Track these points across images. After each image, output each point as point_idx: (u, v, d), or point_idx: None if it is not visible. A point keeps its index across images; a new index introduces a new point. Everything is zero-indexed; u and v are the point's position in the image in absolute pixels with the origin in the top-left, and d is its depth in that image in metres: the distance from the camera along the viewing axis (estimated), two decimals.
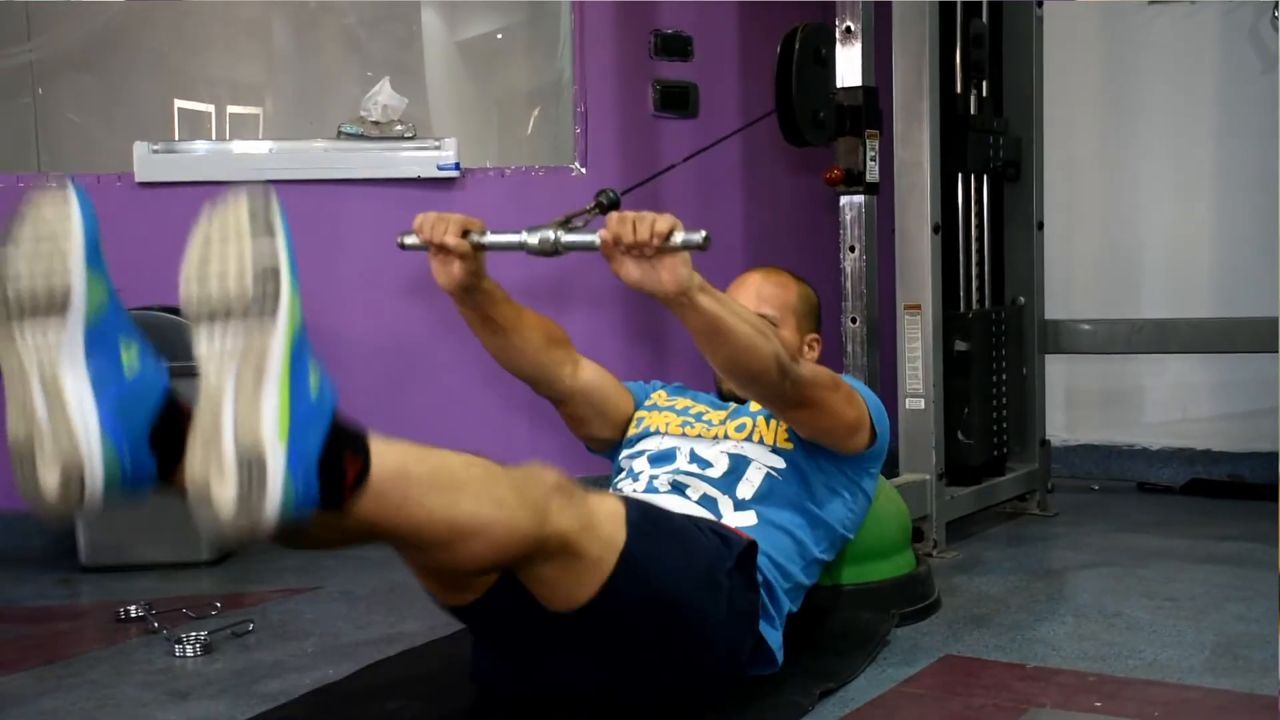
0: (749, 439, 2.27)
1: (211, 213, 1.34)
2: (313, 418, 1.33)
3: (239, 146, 3.51)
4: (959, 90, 3.32)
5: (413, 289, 3.56)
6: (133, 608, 2.68)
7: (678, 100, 3.80)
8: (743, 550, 2.01)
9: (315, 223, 3.50)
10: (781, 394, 2.03)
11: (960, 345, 3.27)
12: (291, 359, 1.32)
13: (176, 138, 3.53)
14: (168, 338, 3.11)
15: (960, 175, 3.36)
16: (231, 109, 3.64)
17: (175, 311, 3.16)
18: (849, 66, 2.98)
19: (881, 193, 3.06)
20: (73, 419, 1.29)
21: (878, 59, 3.03)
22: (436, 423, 3.56)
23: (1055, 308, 3.75)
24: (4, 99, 3.58)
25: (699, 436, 2.31)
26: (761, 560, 2.10)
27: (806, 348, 2.43)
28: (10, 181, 3.37)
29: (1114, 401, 4.09)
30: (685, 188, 3.66)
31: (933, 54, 3.04)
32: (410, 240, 2.13)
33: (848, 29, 2.98)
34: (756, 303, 2.36)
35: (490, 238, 2.07)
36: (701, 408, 2.40)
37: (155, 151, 3.39)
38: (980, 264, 3.45)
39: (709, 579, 1.91)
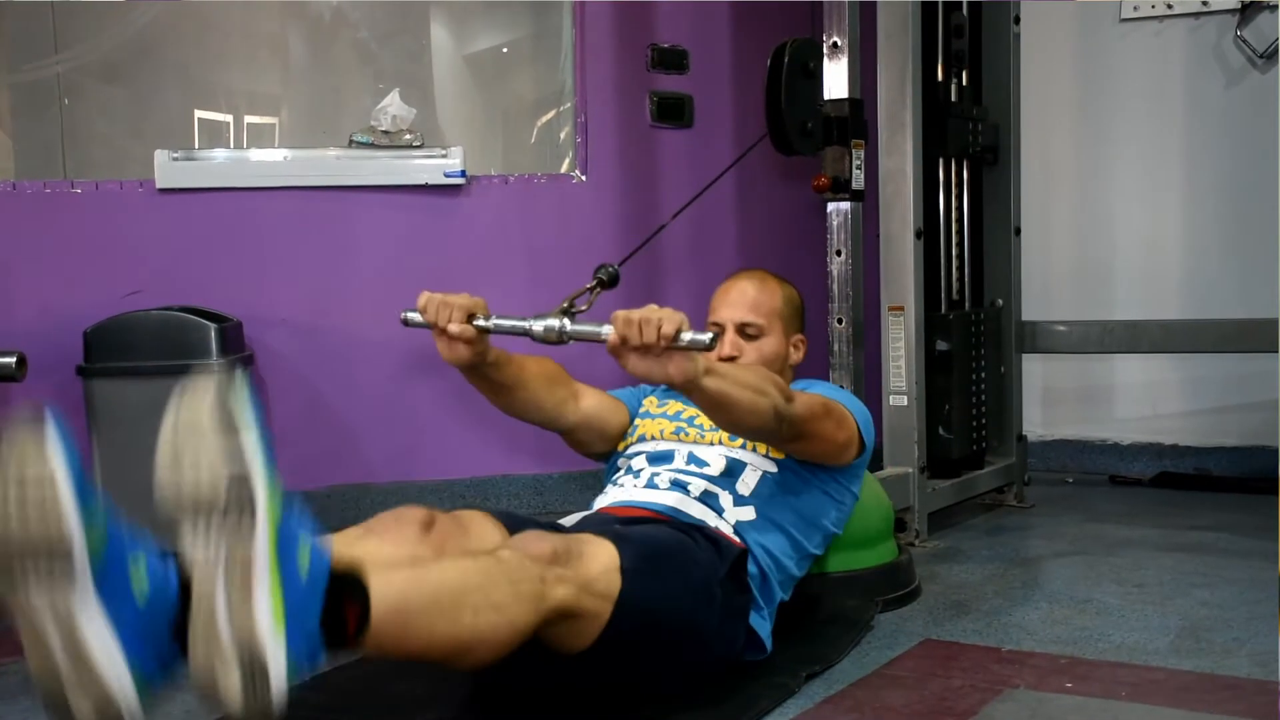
0: (742, 446, 2.27)
1: (178, 402, 1.29)
2: (307, 597, 1.31)
3: (255, 154, 3.51)
4: (940, 79, 3.31)
5: (422, 288, 3.56)
6: None
7: (674, 111, 3.80)
8: (735, 559, 2.03)
9: (327, 227, 3.50)
10: (780, 434, 2.07)
11: (941, 345, 3.28)
12: (278, 553, 1.28)
13: (196, 146, 3.53)
14: (188, 337, 3.14)
15: (941, 160, 3.35)
16: (249, 119, 3.64)
17: (193, 312, 3.17)
18: (836, 79, 2.99)
19: (867, 199, 3.06)
20: (98, 667, 1.24)
21: (863, 72, 3.03)
22: (443, 422, 3.57)
23: (1032, 309, 3.75)
24: (32, 109, 3.58)
25: (694, 442, 2.31)
26: (758, 552, 2.11)
27: (792, 348, 2.43)
28: (38, 188, 3.37)
29: (1087, 398, 4.10)
30: (681, 197, 3.66)
31: (916, 67, 3.04)
32: (414, 318, 2.06)
33: (834, 44, 2.98)
34: (744, 310, 2.36)
35: (495, 322, 2.01)
36: (694, 413, 2.39)
37: (175, 159, 3.38)
38: (961, 268, 3.45)
39: (706, 593, 1.94)
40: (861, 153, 3.03)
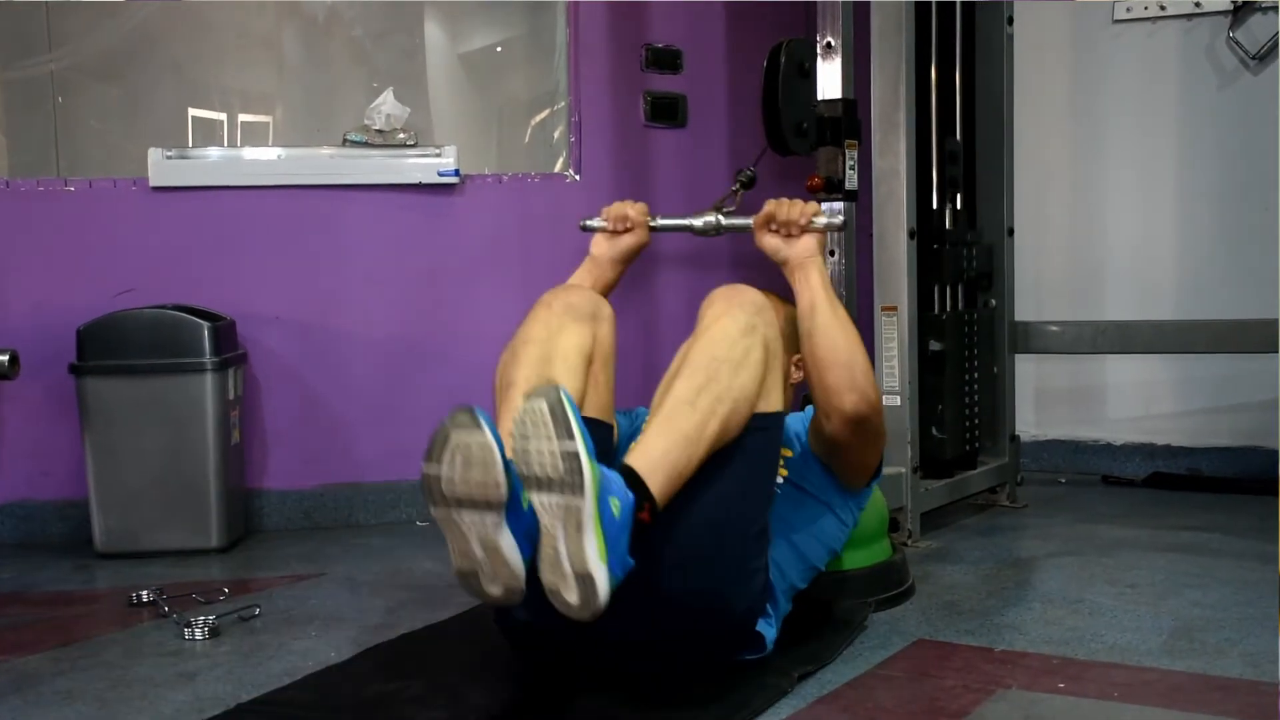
0: None
1: (523, 413, 1.68)
2: (620, 529, 1.72)
3: (249, 153, 3.50)
4: (935, 206, 3.32)
5: (416, 288, 3.55)
6: (145, 593, 2.67)
7: (668, 111, 3.79)
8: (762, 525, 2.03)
9: (322, 226, 3.48)
10: (863, 407, 2.10)
11: (935, 345, 3.27)
12: (599, 509, 1.68)
13: (190, 144, 3.51)
14: (181, 335, 3.13)
15: (936, 287, 3.35)
16: (243, 117, 3.63)
17: (186, 310, 3.16)
18: (829, 80, 2.98)
19: (860, 199, 3.06)
20: (510, 564, 1.70)
21: (857, 72, 3.02)
22: (437, 420, 3.55)
23: (1025, 310, 3.74)
24: (26, 106, 3.56)
25: None
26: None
27: (794, 367, 2.42)
28: (31, 186, 3.35)
29: (1080, 399, 4.09)
30: (677, 195, 3.66)
31: (909, 67, 3.03)
32: (594, 222, 2.37)
33: (828, 44, 2.97)
34: None
35: (661, 221, 2.38)
36: None
37: (169, 157, 3.37)
38: None
39: (761, 529, 2.02)
40: (855, 153, 3.03)
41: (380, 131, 3.48)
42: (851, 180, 3.02)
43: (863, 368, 2.11)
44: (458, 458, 1.68)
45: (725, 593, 1.92)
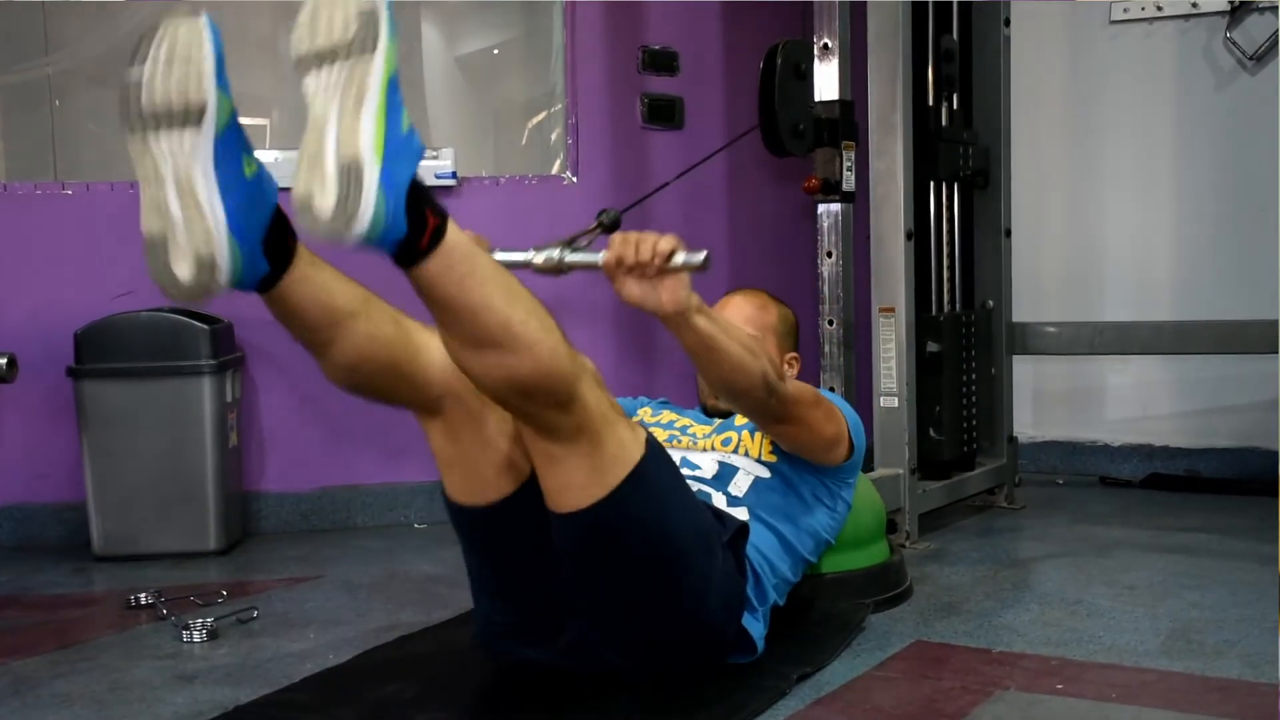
0: (735, 451, 2.27)
1: None
2: (403, 150, 1.43)
3: None
4: (931, 103, 3.31)
5: (410, 295, 3.55)
6: (143, 595, 2.67)
7: (665, 113, 3.79)
8: (736, 530, 2.01)
9: None
10: (767, 409, 2.04)
11: (932, 346, 3.27)
12: (387, 91, 1.42)
13: None
14: (179, 338, 3.12)
15: (932, 182, 3.36)
16: (240, 120, 3.62)
17: (183, 313, 3.16)
18: (826, 81, 2.98)
19: (857, 201, 3.06)
20: (206, 217, 1.41)
21: (854, 74, 3.03)
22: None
23: (1022, 311, 3.75)
24: (23, 109, 3.56)
25: (687, 448, 2.30)
26: (751, 552, 2.09)
27: (786, 366, 2.43)
28: (29, 189, 3.35)
29: (1078, 400, 4.10)
30: (673, 198, 3.66)
31: (906, 69, 3.03)
32: None
33: (825, 45, 2.97)
34: (739, 322, 2.34)
35: (498, 255, 2.03)
36: (687, 422, 2.40)
37: None
38: (951, 269, 3.44)
39: (706, 542, 1.92)
40: (852, 154, 3.03)
41: None
42: (849, 182, 3.02)
43: (755, 370, 1.95)
44: (162, 52, 1.42)
45: (690, 620, 1.92)
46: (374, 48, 1.41)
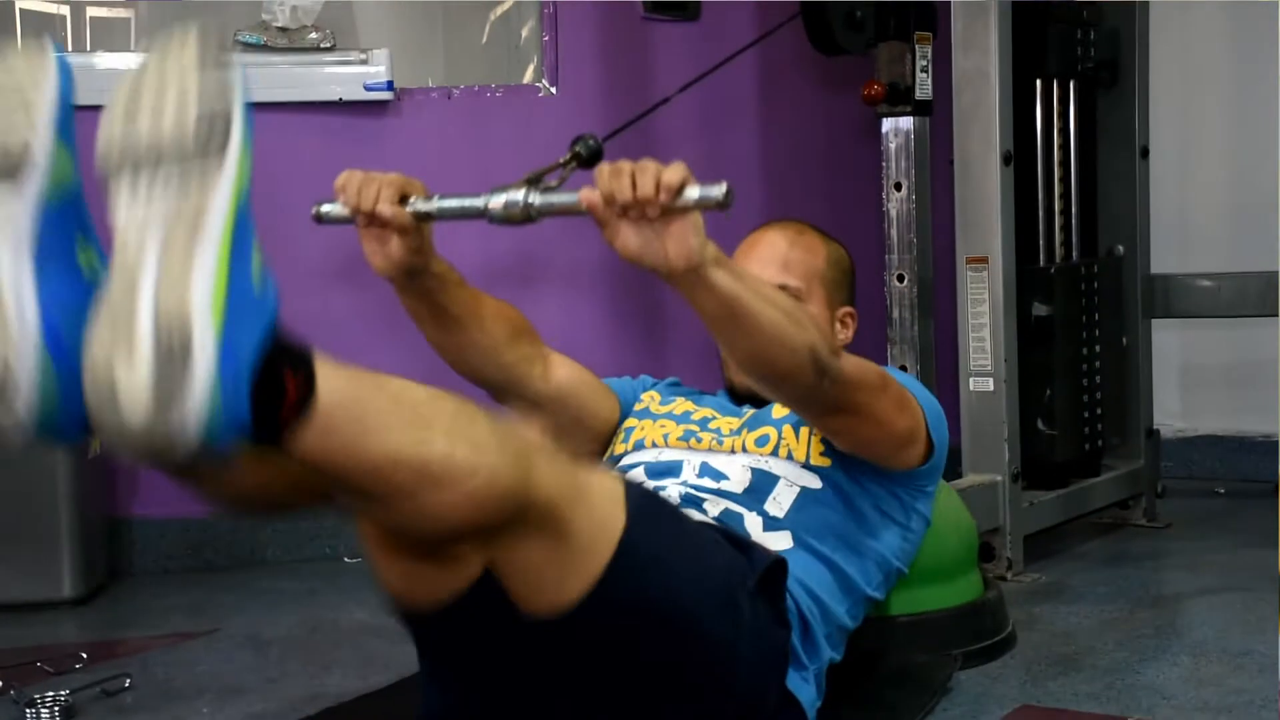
0: (774, 453, 2.25)
1: (150, 47, 1.37)
2: (252, 308, 1.33)
3: (104, 60, 3.50)
4: None
5: (334, 244, 3.56)
6: None
7: None
8: (768, 567, 2.01)
9: None
10: (818, 397, 2.02)
11: (1040, 309, 3.27)
12: (236, 223, 1.32)
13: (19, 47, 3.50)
14: None
15: (1040, 82, 3.36)
16: (92, 11, 3.62)
17: None
18: None
19: (936, 113, 3.06)
20: (7, 302, 1.30)
21: None
22: None
23: (1165, 260, 3.74)
24: None
25: (709, 450, 2.30)
26: (797, 592, 2.09)
27: (839, 324, 2.42)
28: None
29: (1244, 380, 4.09)
30: (684, 112, 3.65)
31: None
32: (330, 210, 2.07)
33: None
34: (776, 270, 2.34)
35: (439, 203, 2.01)
36: (708, 412, 2.37)
37: None
38: (1066, 204, 3.45)
39: (726, 597, 1.91)
40: (929, 50, 3.03)
41: (284, 30, 3.48)
42: (924, 87, 3.02)
43: (796, 342, 1.92)
44: None
45: (713, 701, 1.92)
46: (220, 153, 1.33)
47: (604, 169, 1.82)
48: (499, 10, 3.83)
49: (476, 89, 3.65)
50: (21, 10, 3.57)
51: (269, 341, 1.37)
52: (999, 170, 3.03)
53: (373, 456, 1.48)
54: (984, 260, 3.05)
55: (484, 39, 3.85)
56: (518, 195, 1.92)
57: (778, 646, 2.01)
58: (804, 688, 2.07)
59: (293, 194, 3.51)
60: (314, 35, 3.49)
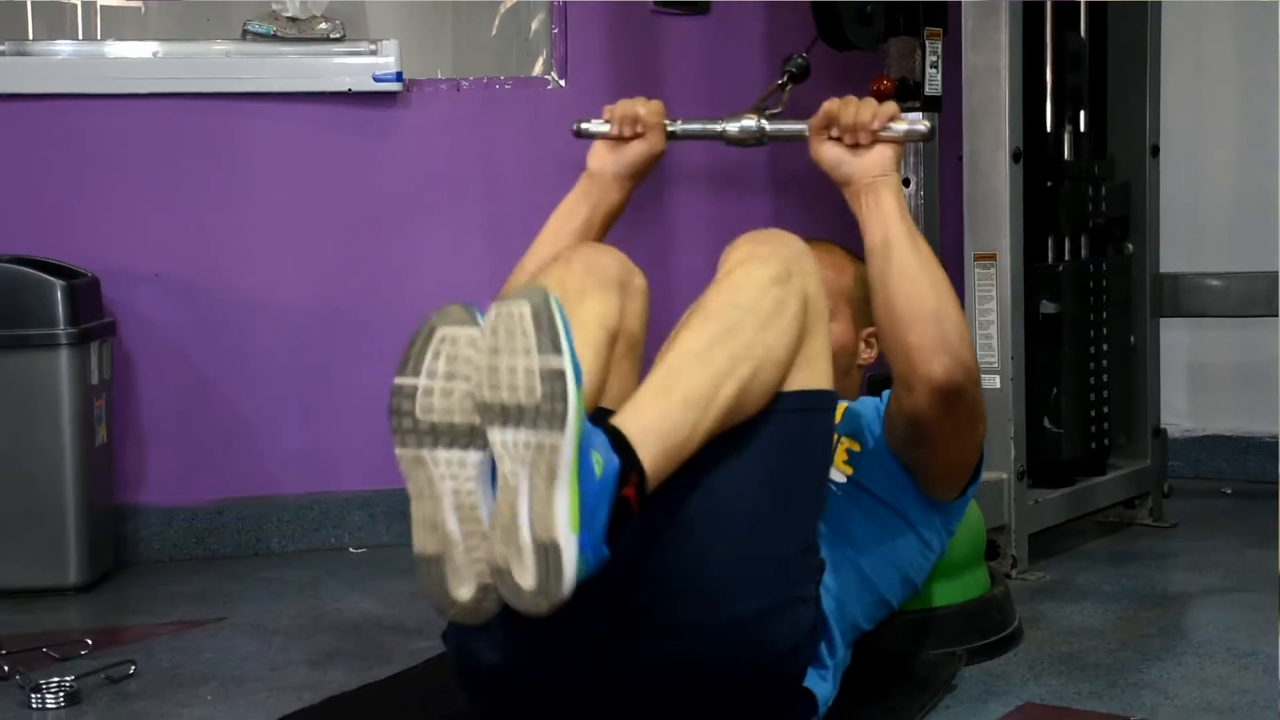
0: None
1: (495, 316, 1.65)
2: (600, 495, 1.67)
3: (114, 49, 3.49)
4: None
5: (344, 233, 3.56)
6: None
7: None
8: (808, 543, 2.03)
9: (215, 149, 3.49)
10: (957, 395, 2.09)
11: (1048, 306, 3.27)
12: (579, 459, 1.64)
13: (30, 37, 3.51)
14: (24, 298, 3.13)
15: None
16: (104, 0, 3.62)
17: (30, 264, 3.16)
18: None
19: (946, 109, 3.06)
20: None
21: None
22: (373, 412, 3.56)
23: (1175, 258, 3.74)
24: None
25: None
26: (821, 591, 2.10)
27: (863, 343, 2.43)
28: None
29: (1252, 381, 4.09)
30: (694, 106, 3.65)
31: None
32: (589, 126, 2.40)
33: None
34: None
35: (682, 126, 2.39)
36: None
37: (1, 54, 3.38)
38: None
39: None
40: (939, 45, 3.03)
41: (294, 20, 3.48)
42: (934, 83, 3.02)
43: (955, 322, 2.09)
44: (441, 361, 1.68)
45: (757, 627, 1.92)
46: (562, 424, 1.62)
47: (832, 101, 2.19)
48: (509, 2, 3.82)
49: (485, 81, 3.65)
50: (35, 1, 3.57)
51: (612, 504, 1.70)
52: (1008, 167, 3.03)
53: (693, 449, 1.83)
54: (992, 257, 3.04)
55: (493, 31, 3.85)
56: (751, 122, 2.34)
57: (810, 630, 2.01)
58: (821, 685, 2.06)
59: (302, 178, 3.54)
60: (324, 25, 3.50)
